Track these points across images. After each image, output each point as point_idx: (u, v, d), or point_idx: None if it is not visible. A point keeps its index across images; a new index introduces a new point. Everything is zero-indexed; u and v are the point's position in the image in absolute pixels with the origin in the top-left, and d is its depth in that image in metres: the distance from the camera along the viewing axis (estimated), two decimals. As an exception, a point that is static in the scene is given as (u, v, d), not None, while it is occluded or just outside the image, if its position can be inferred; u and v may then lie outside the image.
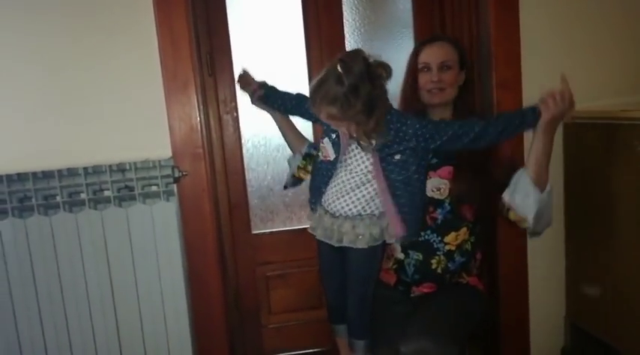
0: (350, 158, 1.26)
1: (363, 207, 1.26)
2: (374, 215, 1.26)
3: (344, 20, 1.88)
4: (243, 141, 1.88)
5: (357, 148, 1.24)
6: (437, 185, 1.39)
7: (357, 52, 1.13)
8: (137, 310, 1.53)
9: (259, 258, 1.91)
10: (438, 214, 1.40)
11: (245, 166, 1.90)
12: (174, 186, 1.53)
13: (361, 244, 1.26)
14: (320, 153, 1.33)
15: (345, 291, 1.34)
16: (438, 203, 1.40)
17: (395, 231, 1.27)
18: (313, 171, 1.39)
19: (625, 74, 1.67)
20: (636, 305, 1.44)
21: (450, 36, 1.70)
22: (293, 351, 1.63)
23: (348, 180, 1.26)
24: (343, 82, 1.08)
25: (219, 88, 1.84)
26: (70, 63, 1.50)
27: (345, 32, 1.90)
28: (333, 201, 1.28)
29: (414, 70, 1.46)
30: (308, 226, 1.37)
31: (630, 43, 1.68)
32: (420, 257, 1.42)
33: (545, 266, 1.72)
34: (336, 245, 1.28)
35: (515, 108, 1.44)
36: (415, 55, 1.47)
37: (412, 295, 1.46)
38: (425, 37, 1.86)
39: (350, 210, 1.26)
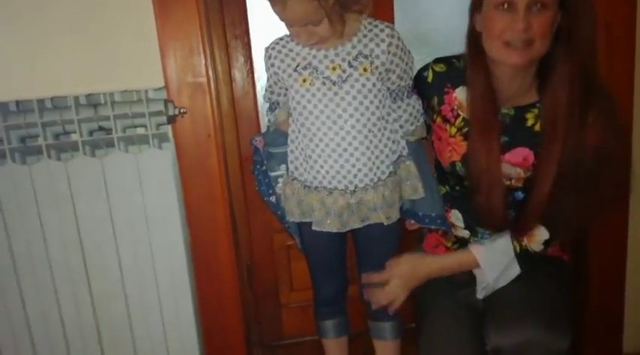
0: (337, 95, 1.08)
1: (382, 161, 1.13)
2: (391, 171, 1.16)
3: None
4: (256, 74, 1.63)
5: (348, 69, 1.08)
6: (505, 173, 1.14)
7: None
8: (123, 294, 1.36)
9: (277, 224, 1.66)
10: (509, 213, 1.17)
11: (259, 108, 1.66)
12: (169, 128, 1.32)
13: (395, 216, 1.16)
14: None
15: (345, 276, 1.32)
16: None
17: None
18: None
19: None
20: None
21: None
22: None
23: (354, 124, 1.09)
24: None
25: (224, 5, 1.57)
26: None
27: None
28: (346, 172, 1.13)
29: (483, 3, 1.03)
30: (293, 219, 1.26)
31: None
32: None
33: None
34: (360, 226, 1.17)
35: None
36: None
37: None
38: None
39: (368, 172, 1.12)
